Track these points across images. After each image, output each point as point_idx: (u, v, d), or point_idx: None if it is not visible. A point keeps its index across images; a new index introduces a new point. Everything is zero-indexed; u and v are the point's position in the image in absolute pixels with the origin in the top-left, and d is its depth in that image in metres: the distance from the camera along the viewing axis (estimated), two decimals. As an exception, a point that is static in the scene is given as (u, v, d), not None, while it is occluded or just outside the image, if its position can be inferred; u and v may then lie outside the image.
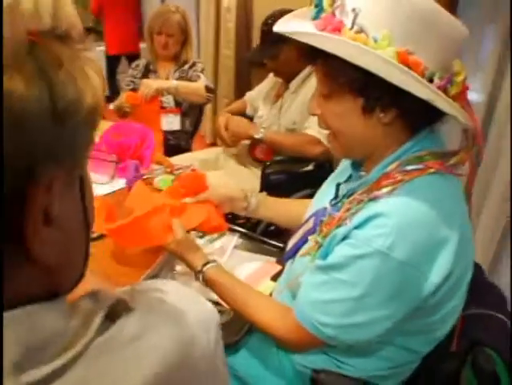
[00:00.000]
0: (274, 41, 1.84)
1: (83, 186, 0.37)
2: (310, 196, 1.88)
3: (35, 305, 0.32)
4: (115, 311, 0.38)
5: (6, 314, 0.30)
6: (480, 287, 0.99)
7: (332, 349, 0.86)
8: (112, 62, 2.38)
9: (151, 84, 2.15)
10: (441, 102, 0.71)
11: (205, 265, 0.99)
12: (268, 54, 1.94)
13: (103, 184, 1.48)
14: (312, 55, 0.80)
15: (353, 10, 0.73)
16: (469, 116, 0.75)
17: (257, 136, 1.92)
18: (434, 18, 0.72)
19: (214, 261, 1.01)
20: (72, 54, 0.31)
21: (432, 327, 0.82)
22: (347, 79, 0.76)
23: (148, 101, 2.14)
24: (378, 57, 0.70)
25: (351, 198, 0.82)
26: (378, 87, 0.74)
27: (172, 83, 2.19)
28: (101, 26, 4.79)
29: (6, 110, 0.26)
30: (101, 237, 1.17)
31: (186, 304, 0.45)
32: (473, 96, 1.98)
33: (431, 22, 0.72)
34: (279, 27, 0.80)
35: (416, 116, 0.78)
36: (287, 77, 2.00)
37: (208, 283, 0.99)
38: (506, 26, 1.74)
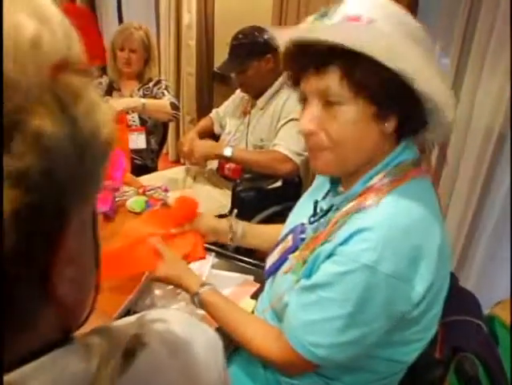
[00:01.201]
0: (243, 55, 1.87)
1: (95, 221, 0.36)
2: (281, 212, 1.91)
3: (59, 350, 0.31)
4: (130, 347, 0.37)
5: (32, 364, 0.28)
6: (455, 294, 1.02)
7: (321, 367, 0.86)
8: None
9: (118, 104, 2.11)
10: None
11: (201, 286, 0.99)
12: (237, 68, 1.95)
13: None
14: (326, 57, 0.75)
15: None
16: None
17: (226, 154, 1.92)
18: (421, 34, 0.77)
19: (210, 284, 1.01)
20: (84, 85, 0.30)
21: (416, 336, 0.83)
22: (377, 81, 0.74)
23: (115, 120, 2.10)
24: (418, 56, 0.72)
25: (334, 214, 0.83)
26: (397, 95, 0.74)
27: (140, 100, 2.17)
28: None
29: (38, 151, 0.25)
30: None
31: (192, 333, 0.44)
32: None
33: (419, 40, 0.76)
34: (291, 34, 0.78)
35: (409, 125, 0.80)
36: (254, 92, 2.02)
37: (204, 305, 0.98)
38: (459, 38, 1.84)
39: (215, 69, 3.42)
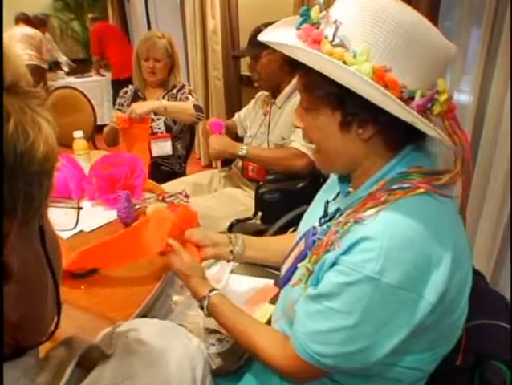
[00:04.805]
0: (258, 43, 1.85)
1: (44, 236, 0.36)
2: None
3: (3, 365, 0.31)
4: (90, 359, 0.36)
5: None
6: (483, 297, 0.96)
7: (338, 374, 0.83)
8: (121, 87, 2.50)
9: (140, 107, 2.13)
10: (416, 121, 0.70)
11: (211, 291, 0.97)
12: (251, 52, 1.98)
13: (64, 230, 1.23)
14: (293, 66, 0.79)
15: (335, 22, 0.72)
16: (460, 137, 0.73)
17: (239, 153, 1.90)
18: (418, 36, 0.70)
19: (218, 290, 1.00)
20: (22, 104, 0.31)
21: (436, 344, 0.79)
22: (324, 93, 0.75)
23: (137, 122, 2.12)
24: (353, 74, 0.68)
25: (337, 220, 0.80)
26: (355, 103, 0.72)
27: (161, 103, 2.18)
28: (91, 56, 5.57)
29: None
30: (92, 272, 1.16)
31: (168, 343, 0.43)
32: (463, 98, 1.98)
33: (414, 40, 0.70)
34: (263, 35, 0.80)
35: (395, 134, 0.77)
36: (266, 86, 2.02)
37: (211, 310, 0.96)
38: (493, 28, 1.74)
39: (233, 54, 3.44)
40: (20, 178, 0.29)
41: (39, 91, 0.34)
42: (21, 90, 0.32)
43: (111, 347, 0.39)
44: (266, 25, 1.87)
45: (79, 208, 0.83)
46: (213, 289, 0.98)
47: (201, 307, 0.99)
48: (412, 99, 0.71)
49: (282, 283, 0.98)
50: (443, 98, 0.72)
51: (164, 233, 1.05)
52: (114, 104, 2.60)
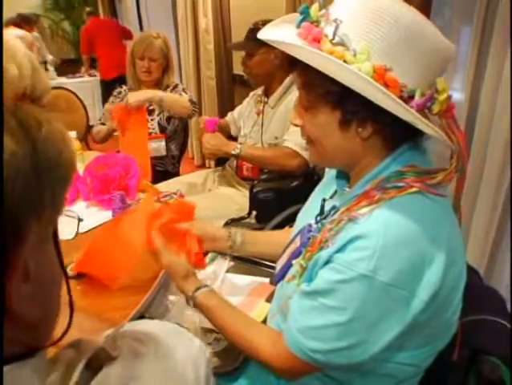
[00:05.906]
0: (254, 39, 1.86)
1: (58, 239, 0.38)
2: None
3: (16, 363, 0.32)
4: (97, 361, 0.37)
5: None
6: (477, 292, 0.97)
7: (332, 370, 0.84)
8: (110, 87, 2.49)
9: (136, 96, 2.12)
10: (417, 121, 0.70)
11: (197, 289, 0.96)
12: (245, 48, 1.98)
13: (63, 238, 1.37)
14: (292, 63, 0.79)
15: (335, 20, 0.72)
16: (457, 136, 0.74)
17: (233, 152, 1.90)
18: (419, 35, 0.70)
19: (206, 286, 0.98)
20: (48, 115, 0.33)
21: (430, 340, 0.80)
22: (324, 91, 0.75)
23: (134, 111, 2.11)
24: (354, 73, 0.69)
25: (331, 218, 0.80)
26: (355, 102, 0.73)
27: (158, 93, 2.17)
28: (81, 56, 5.53)
29: None
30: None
31: (172, 344, 0.44)
32: (455, 95, 1.99)
33: (415, 38, 0.70)
34: (263, 33, 0.80)
35: (394, 132, 0.77)
36: (261, 85, 2.02)
37: (199, 308, 0.96)
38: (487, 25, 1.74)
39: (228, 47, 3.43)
40: (47, 182, 0.31)
41: (56, 105, 0.36)
42: (45, 103, 0.34)
43: (116, 349, 0.39)
44: (264, 22, 1.87)
45: (79, 220, 0.87)
46: (200, 288, 0.97)
47: (189, 305, 0.98)
48: (412, 98, 0.71)
49: (276, 279, 0.99)
50: (442, 97, 0.72)
51: (148, 226, 1.05)
52: (104, 104, 2.59)
